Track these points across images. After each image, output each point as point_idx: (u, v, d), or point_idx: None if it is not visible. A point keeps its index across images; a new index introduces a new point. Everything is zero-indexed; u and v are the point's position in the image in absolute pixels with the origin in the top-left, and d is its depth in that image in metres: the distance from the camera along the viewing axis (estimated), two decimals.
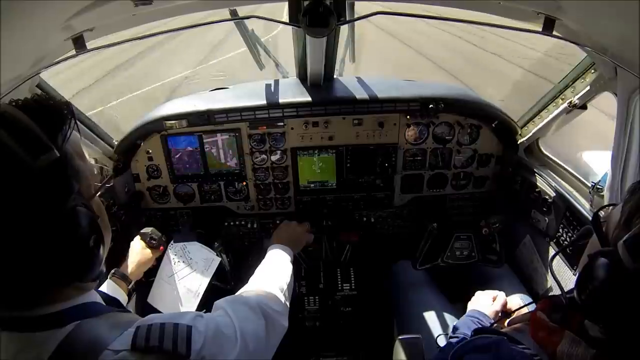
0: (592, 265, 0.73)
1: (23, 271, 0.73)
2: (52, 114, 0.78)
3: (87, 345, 0.76)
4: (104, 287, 1.53)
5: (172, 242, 2.01)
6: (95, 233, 0.80)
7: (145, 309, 1.90)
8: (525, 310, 1.60)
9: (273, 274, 1.45)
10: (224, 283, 2.08)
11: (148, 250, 1.78)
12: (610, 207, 0.86)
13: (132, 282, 1.66)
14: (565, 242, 1.79)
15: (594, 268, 0.72)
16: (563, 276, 1.80)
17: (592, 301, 0.74)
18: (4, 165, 0.68)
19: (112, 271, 1.62)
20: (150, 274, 1.88)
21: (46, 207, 0.72)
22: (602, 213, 0.90)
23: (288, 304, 1.34)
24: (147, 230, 1.83)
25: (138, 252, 1.75)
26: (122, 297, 1.57)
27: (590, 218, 1.64)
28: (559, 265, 1.83)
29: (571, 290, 0.83)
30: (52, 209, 0.72)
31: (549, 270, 1.91)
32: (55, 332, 0.76)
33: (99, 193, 0.91)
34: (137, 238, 1.81)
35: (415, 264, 2.08)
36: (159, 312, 1.85)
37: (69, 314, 0.80)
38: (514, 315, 1.57)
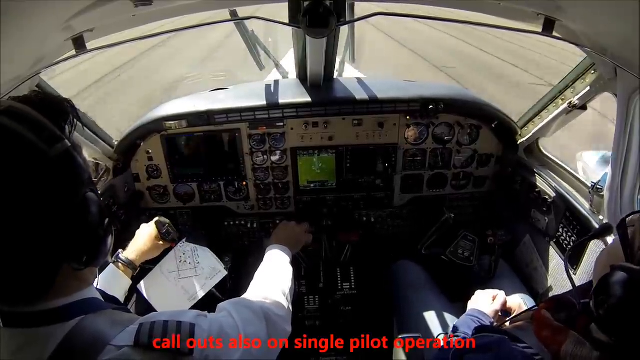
0: (614, 279, 0.70)
1: (39, 256, 0.75)
2: (55, 108, 0.80)
3: (89, 341, 0.77)
4: (105, 272, 1.52)
5: (184, 240, 1.98)
6: (108, 217, 0.85)
7: (131, 293, 1.84)
8: (525, 309, 1.60)
9: (275, 277, 1.44)
10: (221, 293, 2.04)
11: (159, 242, 1.76)
12: (635, 215, 0.82)
13: (138, 270, 1.65)
14: (566, 242, 1.79)
15: (617, 284, 0.69)
16: (562, 275, 1.81)
17: (611, 317, 0.72)
18: (22, 155, 0.71)
19: (117, 254, 1.60)
20: (148, 261, 1.84)
21: (63, 193, 0.75)
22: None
23: (291, 307, 1.34)
24: (165, 220, 1.81)
25: (149, 238, 1.74)
26: (126, 282, 1.56)
27: (590, 218, 1.64)
28: (558, 264, 1.84)
29: (582, 293, 0.82)
30: (69, 194, 0.76)
31: (549, 272, 1.91)
32: (58, 328, 0.77)
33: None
34: (152, 224, 1.79)
35: (421, 248, 2.05)
36: (145, 299, 1.84)
37: (73, 309, 0.80)
38: (514, 315, 1.57)
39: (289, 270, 1.52)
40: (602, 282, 0.73)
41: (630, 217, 0.82)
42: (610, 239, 1.45)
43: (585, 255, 1.60)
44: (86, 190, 0.80)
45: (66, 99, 0.86)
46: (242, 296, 1.29)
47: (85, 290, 0.86)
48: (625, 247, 0.76)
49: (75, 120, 0.83)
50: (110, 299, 1.12)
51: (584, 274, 1.60)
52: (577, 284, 0.97)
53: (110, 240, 0.88)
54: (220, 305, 1.13)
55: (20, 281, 0.75)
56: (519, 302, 1.62)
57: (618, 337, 0.73)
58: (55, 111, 0.80)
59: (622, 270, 0.71)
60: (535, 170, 2.03)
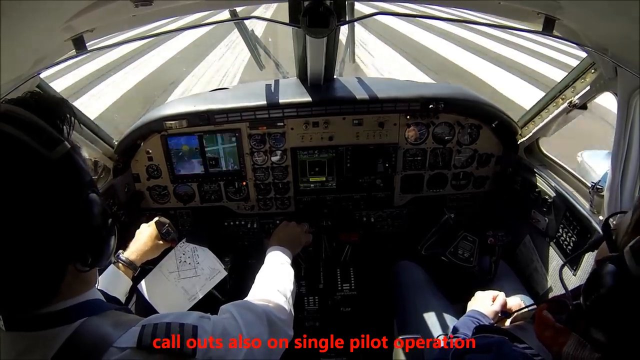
0: (598, 271, 0.72)
1: (45, 260, 0.75)
2: (52, 109, 0.80)
3: (92, 342, 0.77)
4: (105, 273, 1.51)
5: (184, 240, 1.98)
6: (111, 217, 0.86)
7: (131, 293, 1.83)
8: (525, 309, 1.60)
9: (276, 280, 1.44)
10: (221, 294, 2.04)
11: (159, 242, 1.75)
12: (620, 214, 0.85)
13: (138, 270, 1.64)
14: (566, 242, 1.79)
15: (600, 275, 0.71)
16: (563, 277, 1.80)
17: (596, 308, 0.73)
18: (23, 160, 0.70)
19: (117, 255, 1.59)
20: (148, 261, 1.83)
21: (66, 196, 0.76)
22: (613, 220, 0.89)
23: (293, 311, 1.34)
24: (165, 220, 1.80)
25: (149, 238, 1.73)
26: (126, 282, 1.56)
27: (590, 218, 1.64)
28: (558, 265, 1.83)
29: (578, 295, 0.83)
30: (72, 197, 0.77)
31: (549, 272, 1.91)
32: (61, 330, 0.77)
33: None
34: (152, 224, 1.78)
35: (421, 249, 2.05)
36: (145, 299, 1.84)
37: (76, 311, 0.80)
38: (514, 316, 1.57)
39: (290, 273, 1.51)
40: (589, 278, 0.75)
41: (616, 216, 0.84)
42: None
43: (585, 257, 1.60)
44: (88, 192, 0.80)
45: (63, 98, 0.85)
46: (245, 298, 1.29)
47: (87, 292, 0.86)
48: (610, 245, 0.78)
49: (73, 120, 0.83)
50: (111, 300, 1.12)
51: (585, 274, 1.60)
52: (577, 285, 0.97)
53: (113, 240, 0.89)
54: (223, 307, 1.13)
55: (27, 287, 0.75)
56: (519, 303, 1.62)
57: (609, 329, 0.74)
58: (53, 112, 0.79)
59: (606, 261, 0.72)
60: (535, 170, 2.03)
